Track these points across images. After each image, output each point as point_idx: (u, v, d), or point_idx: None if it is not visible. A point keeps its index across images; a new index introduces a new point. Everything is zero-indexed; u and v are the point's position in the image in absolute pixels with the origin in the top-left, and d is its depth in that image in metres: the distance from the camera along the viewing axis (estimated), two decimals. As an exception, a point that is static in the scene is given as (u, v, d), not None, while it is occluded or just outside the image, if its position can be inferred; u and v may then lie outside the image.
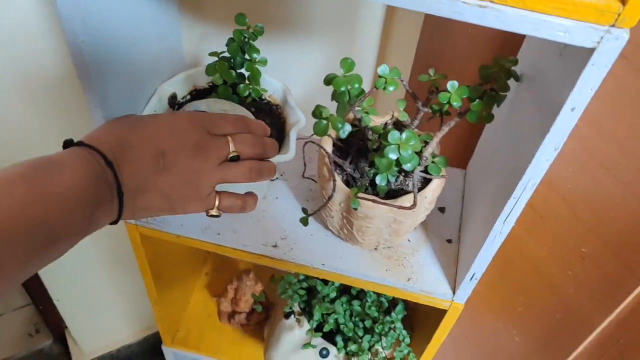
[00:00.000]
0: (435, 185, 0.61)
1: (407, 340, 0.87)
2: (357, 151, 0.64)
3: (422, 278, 0.67)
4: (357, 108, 0.59)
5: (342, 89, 0.57)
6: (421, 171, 0.61)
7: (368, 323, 0.88)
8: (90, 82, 0.55)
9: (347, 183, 0.63)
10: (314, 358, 0.90)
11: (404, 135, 0.55)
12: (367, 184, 0.62)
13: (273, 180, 0.76)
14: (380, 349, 0.87)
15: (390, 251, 0.70)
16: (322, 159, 0.62)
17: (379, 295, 0.90)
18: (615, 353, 0.71)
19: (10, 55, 0.77)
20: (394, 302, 0.90)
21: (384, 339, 0.87)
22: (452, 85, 0.55)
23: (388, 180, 0.60)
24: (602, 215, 0.67)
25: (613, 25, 0.36)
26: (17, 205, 0.40)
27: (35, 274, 0.48)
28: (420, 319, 0.90)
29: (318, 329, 0.89)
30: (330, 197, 0.61)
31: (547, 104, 0.47)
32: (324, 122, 0.58)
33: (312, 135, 0.60)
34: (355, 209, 0.59)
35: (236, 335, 1.08)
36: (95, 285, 1.27)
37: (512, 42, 0.66)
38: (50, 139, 0.90)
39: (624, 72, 0.58)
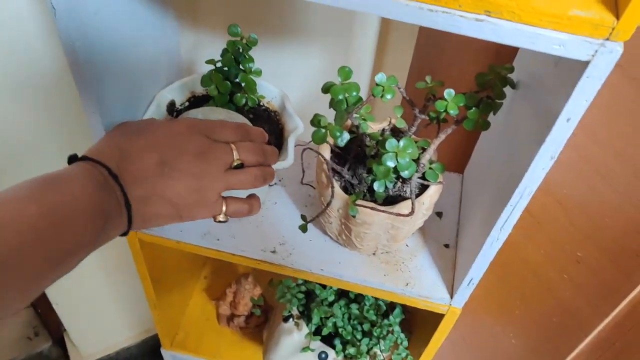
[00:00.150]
0: (433, 192, 0.61)
1: (405, 343, 0.88)
2: (355, 157, 0.64)
3: (420, 283, 0.68)
4: (354, 115, 0.59)
5: (340, 97, 0.57)
6: (419, 177, 0.61)
7: (366, 326, 0.89)
8: (88, 88, 0.55)
9: (345, 189, 0.63)
10: (313, 361, 0.90)
11: (401, 143, 0.56)
12: (365, 190, 0.63)
13: (271, 186, 0.76)
14: (379, 352, 0.88)
15: (389, 256, 0.70)
16: (320, 166, 0.63)
17: (377, 298, 0.90)
18: (611, 356, 0.72)
19: (5, 57, 0.77)
20: (392, 305, 0.91)
21: (382, 342, 0.87)
22: (449, 93, 0.55)
23: (386, 187, 0.60)
24: (597, 221, 0.68)
25: (607, 39, 0.37)
26: (27, 222, 0.40)
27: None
28: (419, 322, 0.91)
29: (317, 332, 0.90)
30: (328, 204, 0.62)
31: (543, 113, 0.47)
32: (323, 130, 0.58)
33: (310, 141, 0.60)
34: (354, 217, 0.60)
35: (235, 338, 1.08)
36: (94, 289, 1.27)
37: (507, 49, 0.67)
38: (46, 141, 0.91)
39: (619, 80, 0.58)
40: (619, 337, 0.70)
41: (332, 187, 0.61)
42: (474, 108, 0.55)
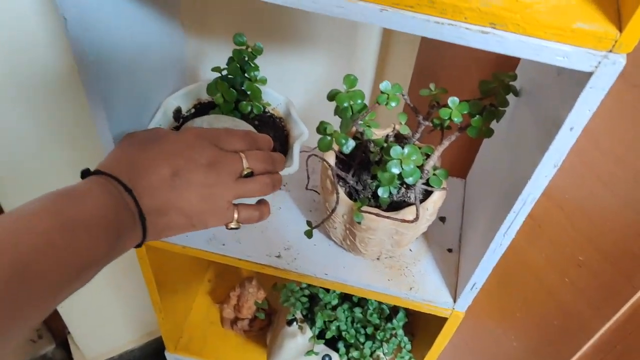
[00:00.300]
0: (437, 197, 0.62)
1: (408, 346, 0.89)
2: (360, 163, 0.65)
3: (423, 287, 0.69)
4: (359, 122, 0.60)
5: (345, 104, 0.58)
6: (423, 183, 0.62)
7: (370, 330, 0.89)
8: (96, 96, 0.56)
9: (350, 195, 0.64)
10: (317, 364, 0.91)
11: (406, 150, 0.57)
12: (370, 196, 0.64)
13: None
14: (382, 355, 0.89)
15: (393, 261, 0.71)
16: (325, 172, 0.64)
17: (380, 302, 0.91)
18: (612, 359, 0.73)
19: (9, 58, 0.78)
20: (395, 309, 0.91)
21: (385, 345, 0.88)
22: (453, 101, 0.56)
23: (390, 193, 0.61)
24: (599, 226, 0.68)
25: (610, 51, 0.38)
26: (43, 237, 0.41)
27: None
28: (421, 326, 0.92)
29: (320, 335, 0.90)
30: (333, 210, 0.63)
31: (546, 121, 0.48)
32: (328, 138, 0.59)
33: (315, 148, 0.61)
34: (359, 223, 0.60)
35: (239, 341, 1.09)
36: (98, 291, 1.28)
37: (510, 56, 0.67)
38: (47, 142, 0.91)
39: (621, 88, 0.59)
40: (620, 340, 0.71)
41: (337, 193, 0.61)
42: (477, 116, 0.56)
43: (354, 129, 0.61)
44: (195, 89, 0.71)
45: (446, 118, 0.56)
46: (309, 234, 0.65)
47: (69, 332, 1.43)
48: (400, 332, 0.89)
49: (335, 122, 0.60)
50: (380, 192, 0.60)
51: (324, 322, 0.90)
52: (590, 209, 0.69)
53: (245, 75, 0.67)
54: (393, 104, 0.57)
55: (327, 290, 0.91)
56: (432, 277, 0.70)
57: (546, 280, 0.79)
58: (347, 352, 0.90)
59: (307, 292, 0.92)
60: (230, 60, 0.66)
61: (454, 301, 0.68)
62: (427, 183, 0.62)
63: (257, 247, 0.71)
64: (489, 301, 0.91)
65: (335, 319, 0.89)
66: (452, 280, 0.70)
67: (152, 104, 0.68)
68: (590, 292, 0.73)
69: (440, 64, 0.81)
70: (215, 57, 0.82)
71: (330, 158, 0.64)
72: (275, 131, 0.70)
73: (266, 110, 0.72)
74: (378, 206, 0.62)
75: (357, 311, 0.90)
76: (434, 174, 0.62)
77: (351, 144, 0.60)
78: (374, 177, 0.63)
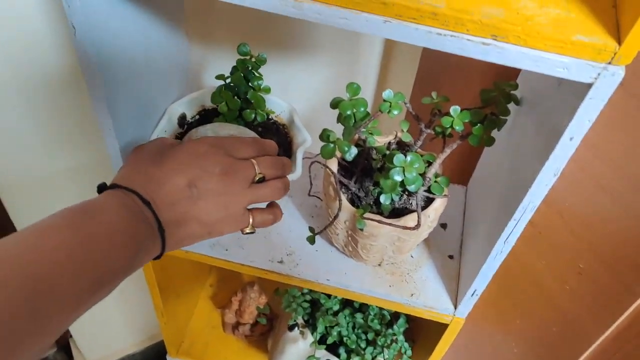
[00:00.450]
0: (438, 205, 0.63)
1: (409, 352, 0.89)
2: (362, 170, 0.66)
3: (424, 293, 0.69)
4: (362, 130, 0.61)
5: (348, 112, 0.59)
6: (424, 191, 0.63)
7: (371, 335, 0.90)
8: (103, 102, 0.56)
9: (352, 201, 0.65)
10: (318, 369, 0.91)
11: (408, 157, 0.57)
12: (372, 203, 0.64)
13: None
14: (383, 361, 0.89)
15: (394, 267, 0.71)
16: (327, 179, 0.64)
17: (381, 308, 0.91)
18: (612, 366, 0.73)
19: (13, 61, 0.78)
20: (396, 315, 0.92)
21: (386, 351, 0.88)
22: (454, 110, 0.57)
23: (392, 200, 0.62)
24: (598, 233, 0.69)
25: (610, 63, 0.39)
26: (64, 252, 0.41)
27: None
28: (422, 332, 0.92)
29: (322, 341, 0.91)
30: (336, 216, 0.63)
31: (547, 131, 0.49)
32: (331, 145, 0.59)
33: (318, 154, 0.62)
34: (361, 229, 0.61)
35: (240, 346, 1.09)
36: (100, 295, 1.28)
37: (511, 64, 0.68)
38: (52, 146, 0.92)
39: (620, 97, 0.59)
40: (619, 348, 0.71)
41: (340, 200, 0.62)
42: (478, 124, 0.57)
43: (356, 136, 0.61)
44: (200, 95, 0.72)
45: (448, 126, 0.57)
46: (311, 240, 0.66)
47: (70, 336, 1.43)
48: (401, 337, 0.89)
49: (338, 129, 0.61)
50: (382, 199, 0.61)
51: (326, 327, 0.90)
52: (590, 216, 0.70)
53: (249, 84, 0.68)
54: (395, 112, 0.57)
55: (329, 296, 0.92)
56: (433, 284, 0.71)
57: (546, 286, 0.80)
58: (348, 358, 0.91)
59: (308, 297, 0.92)
60: (234, 70, 0.67)
61: (455, 308, 0.68)
62: (428, 190, 0.63)
63: (260, 253, 0.72)
64: (489, 307, 0.92)
65: (336, 325, 0.90)
66: (452, 287, 0.70)
67: (157, 110, 0.69)
68: (589, 299, 0.73)
69: (442, 72, 0.82)
70: (218, 64, 0.83)
71: (333, 165, 0.65)
72: (278, 138, 0.71)
73: (270, 117, 0.72)
74: (380, 213, 0.63)
75: (359, 317, 0.91)
76: (435, 182, 0.62)
77: (354, 151, 0.61)
78: (376, 184, 0.63)
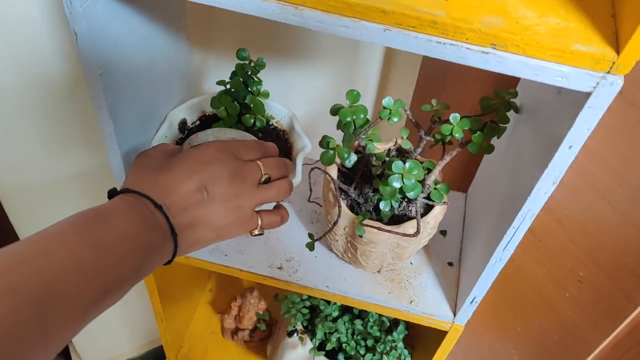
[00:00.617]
0: (438, 212, 0.63)
1: (408, 359, 0.89)
2: (362, 177, 0.66)
3: (424, 300, 0.69)
4: (362, 137, 0.61)
5: (348, 119, 0.59)
6: (424, 198, 0.63)
7: (370, 342, 0.90)
8: (105, 110, 0.57)
9: (352, 208, 0.65)
10: (317, 376, 0.91)
11: (407, 164, 0.57)
12: (371, 209, 0.64)
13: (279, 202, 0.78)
14: (382, 368, 0.89)
15: (393, 274, 0.71)
16: (327, 185, 0.64)
17: (380, 314, 0.91)
18: (611, 374, 0.73)
19: (16, 65, 0.78)
20: (395, 321, 0.92)
21: (385, 357, 0.88)
22: (454, 117, 0.57)
23: (392, 206, 0.62)
24: (597, 240, 0.69)
25: (608, 72, 0.39)
26: (73, 259, 0.41)
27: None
28: (421, 338, 0.92)
29: (321, 347, 0.91)
30: (335, 223, 0.63)
31: (546, 139, 0.49)
32: (331, 152, 0.60)
33: (318, 161, 0.62)
34: (360, 236, 0.61)
35: (239, 351, 1.09)
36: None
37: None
38: (55, 151, 0.92)
39: (619, 105, 0.60)
40: (619, 356, 0.71)
41: (339, 206, 0.62)
42: (478, 132, 0.57)
43: (356, 143, 0.62)
44: (200, 101, 0.72)
45: (447, 134, 0.57)
46: (310, 247, 0.66)
47: (70, 341, 1.43)
48: (401, 344, 0.89)
49: (337, 136, 0.61)
50: (381, 205, 0.61)
51: (325, 333, 0.90)
52: (589, 224, 0.70)
53: (248, 89, 0.68)
54: (395, 119, 0.58)
55: (328, 302, 0.92)
56: (433, 291, 0.71)
57: (546, 294, 0.80)
58: (347, 364, 0.91)
59: (308, 303, 0.92)
60: (234, 74, 0.67)
61: (454, 315, 0.68)
62: (428, 197, 0.63)
63: (259, 259, 0.72)
64: (489, 314, 0.92)
65: (335, 331, 0.90)
66: (452, 294, 0.70)
67: (157, 116, 0.69)
68: (589, 308, 0.73)
69: (442, 80, 0.82)
70: (219, 70, 0.84)
71: (333, 171, 0.65)
72: (278, 144, 0.71)
73: (270, 123, 0.73)
74: (379, 219, 0.63)
75: (358, 323, 0.91)
76: (435, 189, 0.62)
77: (353, 158, 0.61)
78: (376, 191, 0.64)
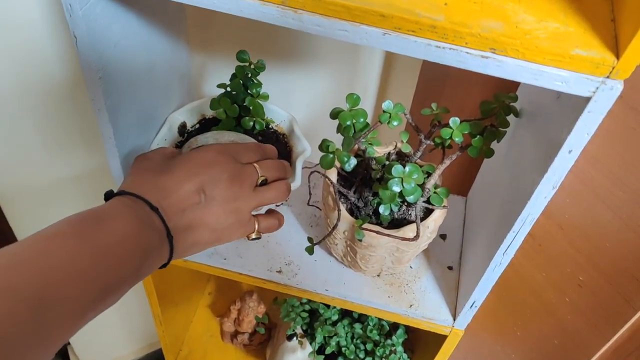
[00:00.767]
0: (437, 216, 0.63)
1: (408, 363, 0.89)
2: (361, 180, 0.66)
3: (423, 304, 0.69)
4: (361, 140, 0.61)
5: (348, 123, 0.59)
6: (424, 202, 0.63)
7: (369, 346, 0.89)
8: (105, 113, 0.57)
9: (351, 211, 0.64)
10: (316, 380, 0.91)
11: (407, 168, 0.57)
12: (371, 213, 0.64)
13: (278, 205, 0.78)
14: (381, 372, 0.89)
15: (393, 278, 0.71)
16: (327, 189, 0.64)
17: (380, 318, 0.91)
18: (612, 379, 0.73)
19: (16, 68, 0.78)
20: (395, 325, 0.92)
21: (385, 361, 0.88)
22: (454, 121, 0.57)
23: (391, 210, 0.62)
24: (597, 245, 0.69)
25: (608, 77, 0.39)
26: (70, 260, 0.41)
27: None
28: (421, 343, 0.92)
29: (320, 351, 0.91)
30: (335, 227, 0.63)
31: (546, 143, 0.49)
32: (330, 156, 0.59)
33: (318, 164, 0.62)
34: (360, 240, 0.61)
35: (238, 355, 1.09)
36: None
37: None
38: (54, 153, 0.92)
39: (619, 109, 0.60)
40: (619, 361, 0.71)
41: (339, 210, 0.62)
42: (478, 136, 0.57)
43: (356, 146, 0.61)
44: (200, 104, 0.72)
45: (447, 138, 0.57)
46: (310, 250, 0.66)
47: (68, 343, 1.42)
48: (400, 348, 0.89)
49: (337, 140, 0.61)
50: (381, 209, 0.61)
51: (324, 337, 0.90)
52: (589, 228, 0.70)
53: (248, 91, 0.68)
54: (395, 123, 0.57)
55: (328, 306, 0.91)
56: (432, 295, 0.70)
57: (546, 298, 0.80)
58: (347, 368, 0.91)
59: (307, 307, 0.92)
60: (233, 77, 0.67)
61: (454, 319, 0.68)
62: (428, 201, 0.63)
63: (259, 262, 0.72)
64: (488, 318, 0.92)
65: (335, 335, 0.89)
66: (452, 298, 0.70)
67: (157, 119, 0.69)
68: (589, 312, 0.73)
69: (442, 84, 0.82)
70: (219, 74, 0.84)
71: (332, 175, 0.65)
72: (278, 147, 0.70)
73: (270, 126, 0.73)
74: (379, 223, 0.63)
75: (357, 327, 0.90)
76: (434, 192, 0.62)
77: (353, 161, 0.61)
78: (376, 195, 0.63)
